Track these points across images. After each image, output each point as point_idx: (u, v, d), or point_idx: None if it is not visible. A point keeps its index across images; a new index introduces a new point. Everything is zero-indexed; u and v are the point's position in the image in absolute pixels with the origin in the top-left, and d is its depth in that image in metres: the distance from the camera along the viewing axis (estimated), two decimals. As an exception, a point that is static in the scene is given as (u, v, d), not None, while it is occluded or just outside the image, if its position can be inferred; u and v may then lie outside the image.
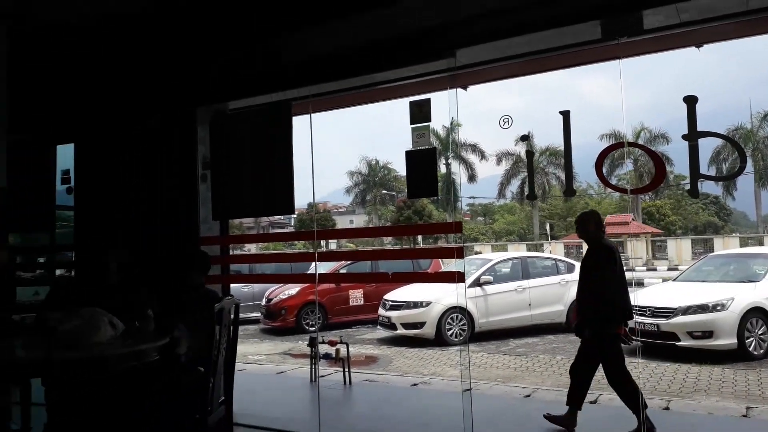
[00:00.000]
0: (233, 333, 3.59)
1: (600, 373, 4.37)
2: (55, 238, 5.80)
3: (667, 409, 5.14)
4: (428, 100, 4.22)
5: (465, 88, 4.49)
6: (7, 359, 2.72)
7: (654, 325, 7.68)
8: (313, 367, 6.27)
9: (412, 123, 4.21)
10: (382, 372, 7.40)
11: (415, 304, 9.78)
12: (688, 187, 3.68)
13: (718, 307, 7.54)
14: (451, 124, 4.90)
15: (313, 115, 4.79)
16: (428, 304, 9.64)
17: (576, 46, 3.85)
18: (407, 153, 4.25)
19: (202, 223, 5.06)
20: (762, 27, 3.70)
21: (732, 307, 7.52)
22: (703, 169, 3.95)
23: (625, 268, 4.54)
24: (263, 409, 5.01)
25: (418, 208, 35.34)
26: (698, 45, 3.90)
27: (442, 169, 36.83)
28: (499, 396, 5.71)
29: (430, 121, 4.20)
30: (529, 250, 27.54)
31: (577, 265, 11.56)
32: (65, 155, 5.68)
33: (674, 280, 9.85)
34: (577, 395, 4.41)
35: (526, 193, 36.39)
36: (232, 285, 5.53)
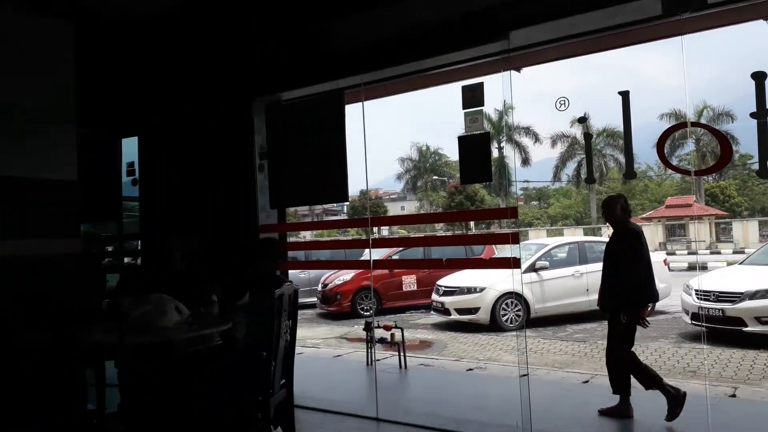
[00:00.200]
0: (293, 318, 3.68)
1: (657, 359, 4.26)
2: (122, 228, 6.07)
3: (733, 396, 4.97)
4: (481, 84, 4.17)
5: (518, 70, 4.41)
6: (85, 343, 2.88)
7: (719, 310, 7.40)
8: (369, 351, 6.37)
9: (464, 108, 4.18)
10: (436, 357, 7.43)
11: (469, 290, 9.75)
12: (755, 166, 3.51)
13: (789, 292, 7.20)
14: (504, 107, 4.84)
15: (365, 102, 4.82)
16: (482, 289, 9.59)
17: (635, 24, 3.72)
18: (460, 138, 4.23)
19: (260, 211, 5.22)
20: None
21: (803, 292, 7.16)
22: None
23: (687, 251, 4.44)
24: (322, 391, 5.12)
25: (470, 194, 34.99)
26: (766, 17, 3.71)
27: (495, 153, 36.34)
28: (557, 382, 5.65)
29: (482, 105, 4.15)
30: (586, 234, 26.87)
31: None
32: (130, 149, 5.94)
33: (740, 263, 9.43)
34: (621, 382, 4.37)
35: (582, 176, 35.42)
36: (289, 271, 5.67)
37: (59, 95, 3.85)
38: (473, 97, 4.18)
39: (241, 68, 5.11)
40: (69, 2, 3.93)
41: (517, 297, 9.40)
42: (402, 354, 6.35)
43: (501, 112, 32.34)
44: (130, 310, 3.10)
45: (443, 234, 26.32)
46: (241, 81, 5.12)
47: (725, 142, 4.11)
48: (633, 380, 4.35)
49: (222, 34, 5.02)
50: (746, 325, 7.21)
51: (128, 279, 4.56)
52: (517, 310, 9.54)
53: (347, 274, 11.92)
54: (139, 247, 6.08)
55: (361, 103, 4.79)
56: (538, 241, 12.68)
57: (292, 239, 5.73)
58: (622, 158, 31.50)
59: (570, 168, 37.52)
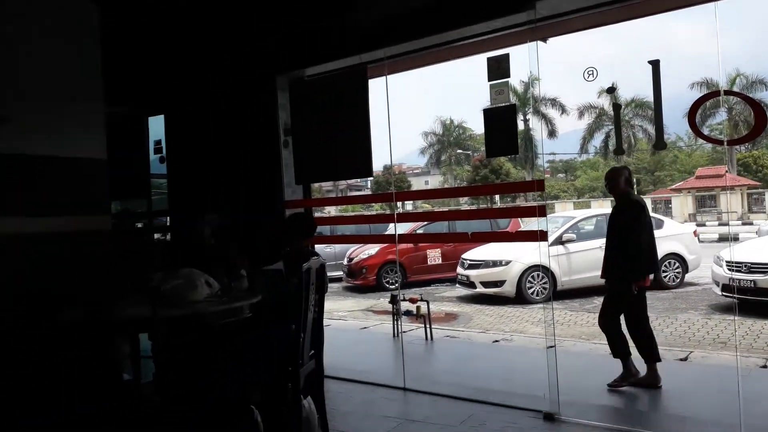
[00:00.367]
0: (321, 291, 3.73)
1: (686, 331, 4.24)
2: (151, 205, 6.18)
3: (764, 367, 4.92)
4: (507, 56, 4.11)
5: (545, 40, 4.33)
6: (119, 317, 2.97)
7: (750, 281, 7.28)
8: (395, 323, 6.44)
9: (490, 80, 4.12)
10: (462, 329, 7.48)
11: (494, 263, 9.74)
12: (791, 134, 3.42)
13: (823, 262, 7.04)
14: (530, 78, 4.78)
15: (388, 76, 4.79)
16: (508, 262, 9.57)
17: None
18: (485, 111, 4.18)
19: (286, 186, 5.26)
20: None
21: (840, 262, 7.00)
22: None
23: (718, 222, 4.42)
24: (350, 362, 5.22)
25: (495, 167, 34.68)
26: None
27: (521, 125, 35.81)
28: (584, 353, 5.66)
29: (508, 77, 4.09)
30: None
31: (667, 220, 11.15)
32: (156, 127, 6.02)
33: (774, 234, 9.23)
34: (648, 348, 4.42)
35: (610, 148, 34.79)
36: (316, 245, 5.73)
37: (86, 74, 3.90)
38: (499, 68, 4.12)
39: (264, 44, 5.11)
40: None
41: (544, 270, 9.37)
42: (428, 326, 6.41)
43: (527, 84, 31.83)
44: (161, 284, 3.18)
45: (468, 208, 26.19)
46: (264, 57, 5.12)
47: (759, 110, 3.99)
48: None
49: (244, 10, 5.02)
50: (779, 297, 7.10)
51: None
52: (544, 283, 9.51)
53: (372, 249, 12.01)
54: (168, 223, 6.20)
55: (384, 78, 4.77)
56: (564, 214, 12.57)
57: (317, 215, 5.79)
58: (651, 129, 30.83)
59: (597, 139, 36.87)
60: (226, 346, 3.53)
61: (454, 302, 10.10)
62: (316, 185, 5.80)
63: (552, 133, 38.55)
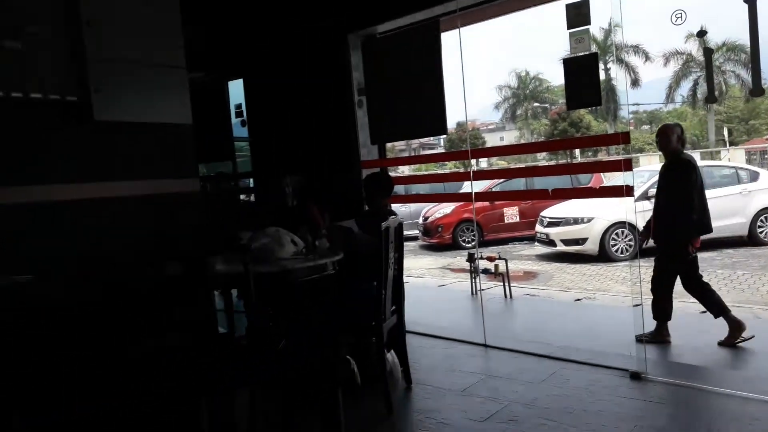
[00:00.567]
0: (399, 249, 3.78)
1: None
2: (236, 167, 6.41)
3: None
4: (586, 2, 3.89)
5: (627, -18, 4.06)
6: (215, 273, 3.13)
7: None
8: (473, 281, 6.43)
9: (569, 28, 3.93)
10: (542, 287, 7.38)
11: (575, 221, 9.48)
12: None
13: None
14: (611, 25, 4.52)
15: (461, 29, 4.66)
16: (590, 220, 9.29)
17: None
18: (565, 61, 4.01)
19: (361, 147, 5.30)
20: None
21: None
22: None
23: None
24: (430, 318, 5.28)
25: (575, 120, 33.31)
26: None
27: (601, 75, 34.03)
28: (673, 311, 5.45)
29: (589, 24, 3.88)
30: (703, 158, 24.97)
31: (763, 172, 10.40)
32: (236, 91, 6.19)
33: None
34: (713, 304, 4.41)
35: (700, 96, 32.57)
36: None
37: (169, 42, 4.01)
38: (578, 15, 3.91)
39: (335, 3, 5.09)
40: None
41: (630, 226, 9.03)
42: (506, 284, 6.37)
43: (607, 31, 30.14)
44: (251, 243, 3.32)
45: (547, 164, 25.44)
46: (335, 16, 5.10)
47: None
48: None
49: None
50: None
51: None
52: (629, 240, 9.18)
53: (447, 207, 11.97)
54: (252, 185, 6.42)
55: (457, 31, 4.64)
56: (650, 168, 11.98)
57: (391, 174, 5.82)
58: (745, 75, 28.53)
59: (684, 88, 34.49)
60: (314, 301, 3.67)
61: (533, 261, 9.96)
62: (389, 145, 5.78)
63: (635, 83, 36.40)
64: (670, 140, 4.44)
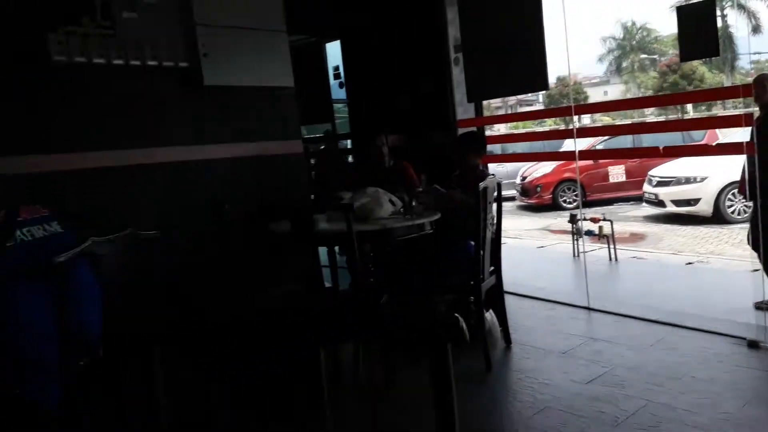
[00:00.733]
0: (498, 209, 3.73)
1: None
2: (335, 128, 6.53)
3: None
4: (701, -58, 3.55)
5: None
6: (318, 230, 3.24)
7: None
8: (575, 242, 6.24)
9: (685, -29, 3.61)
10: (650, 250, 7.03)
11: (687, 180, 8.87)
12: None
13: None
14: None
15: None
16: (703, 179, 8.66)
17: None
18: (678, 9, 3.71)
19: (458, 105, 5.22)
20: None
21: None
22: None
23: None
24: (529, 280, 5.20)
25: (686, 72, 30.82)
26: None
27: (717, 22, 31.07)
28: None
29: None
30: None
31: None
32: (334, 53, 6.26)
33: None
34: None
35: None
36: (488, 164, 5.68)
37: (270, 5, 4.09)
38: (693, -43, 3.58)
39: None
40: None
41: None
42: (611, 246, 6.12)
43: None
44: (353, 201, 3.40)
45: (657, 120, 23.84)
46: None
47: None
48: None
49: None
50: None
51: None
52: (747, 201, 8.49)
53: (547, 166, 11.58)
54: (349, 146, 6.53)
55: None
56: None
57: (487, 133, 5.70)
58: None
59: (817, 32, 30.84)
60: (415, 259, 3.72)
61: (641, 222, 9.47)
62: (485, 102, 5.64)
63: (756, 29, 32.91)
64: (765, 90, 3.92)
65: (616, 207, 10.93)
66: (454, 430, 0.91)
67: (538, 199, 11.64)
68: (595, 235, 6.29)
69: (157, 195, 3.63)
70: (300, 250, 2.90)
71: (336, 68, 6.22)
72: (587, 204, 11.01)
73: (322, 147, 6.91)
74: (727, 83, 29.73)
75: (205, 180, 3.85)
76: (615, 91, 41.95)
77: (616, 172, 11.32)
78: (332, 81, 6.35)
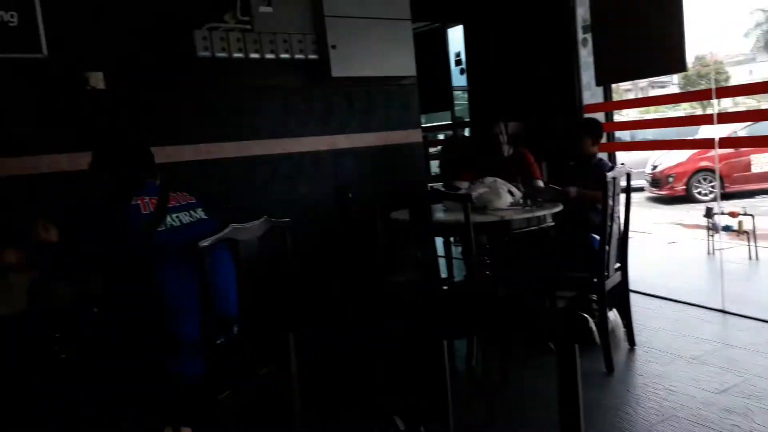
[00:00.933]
0: (626, 202, 3.54)
1: None
2: (455, 116, 6.50)
3: None
4: None
5: None
6: (434, 220, 3.26)
7: None
8: (711, 239, 5.77)
9: None
10: (800, 249, 6.34)
11: None
12: None
13: None
14: None
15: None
16: None
17: None
18: None
19: (584, 89, 5.00)
20: None
21: None
22: None
23: None
24: (657, 278, 4.90)
25: None
26: None
27: None
28: None
29: None
30: None
31: None
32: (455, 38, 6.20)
33: None
34: None
35: None
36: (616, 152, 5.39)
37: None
38: None
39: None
40: None
41: None
42: (752, 244, 5.60)
43: None
44: (470, 191, 3.37)
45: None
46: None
47: None
48: None
49: None
50: None
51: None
52: None
53: (680, 155, 10.75)
54: (468, 134, 6.47)
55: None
56: None
57: (615, 118, 5.38)
58: None
59: None
60: (534, 252, 3.65)
61: (789, 217, 8.56)
62: (614, 86, 5.33)
63: None
64: None
65: (758, 200, 9.94)
66: (580, 432, 0.90)
67: (670, 191, 10.84)
68: (734, 230, 5.78)
69: (286, 183, 3.85)
70: (417, 239, 2.93)
71: (457, 54, 6.17)
72: (725, 196, 10.09)
73: (450, 134, 6.85)
74: None
75: (331, 169, 4.02)
76: (763, 70, 37.86)
77: (761, 162, 10.26)
78: (453, 67, 6.30)
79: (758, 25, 36.61)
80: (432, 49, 6.34)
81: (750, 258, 5.58)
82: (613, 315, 3.67)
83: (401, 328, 0.94)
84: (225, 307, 1.93)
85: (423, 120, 6.61)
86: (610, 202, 3.22)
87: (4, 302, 1.96)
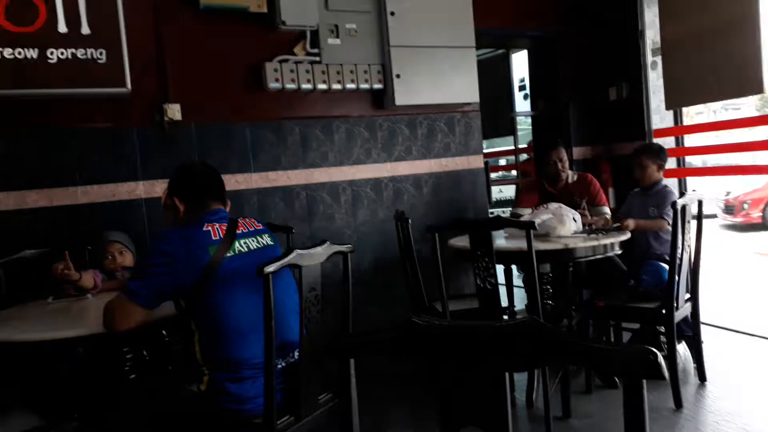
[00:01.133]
0: (697, 229, 3.41)
1: None
2: (517, 142, 6.45)
3: None
4: None
5: None
6: (495, 248, 3.23)
7: None
8: (791, 270, 5.46)
9: None
10: None
11: None
12: None
13: None
14: None
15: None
16: None
17: None
18: None
19: (653, 113, 4.90)
20: None
21: None
22: None
23: None
24: (731, 310, 4.67)
25: None
26: None
27: None
28: None
29: None
30: None
31: None
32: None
33: None
34: None
35: None
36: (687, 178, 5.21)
37: (461, 21, 4.18)
38: None
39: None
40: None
41: None
42: (839, 276, 5.25)
43: None
44: (533, 218, 3.33)
45: None
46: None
47: None
48: None
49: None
50: None
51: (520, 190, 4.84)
52: None
53: (759, 180, 10.22)
54: (528, 158, 6.40)
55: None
56: None
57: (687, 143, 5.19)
58: None
59: None
60: (598, 281, 3.56)
61: None
62: (684, 109, 5.16)
63: None
64: None
65: None
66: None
67: (745, 218, 10.32)
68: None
69: (348, 209, 3.94)
70: (477, 266, 2.92)
71: (521, 80, 6.15)
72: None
73: (525, 158, 6.77)
74: None
75: (391, 195, 4.09)
76: None
77: None
78: (516, 92, 6.28)
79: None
80: (495, 75, 6.35)
81: (836, 291, 5.24)
82: (683, 348, 3.53)
83: (461, 358, 0.95)
84: (286, 332, 1.98)
85: (485, 145, 6.62)
86: (679, 230, 3.10)
87: (80, 322, 2.09)
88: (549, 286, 3.32)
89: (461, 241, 3.31)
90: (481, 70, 4.25)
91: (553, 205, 3.48)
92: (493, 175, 6.93)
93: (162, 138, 3.44)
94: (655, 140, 4.76)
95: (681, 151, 5.03)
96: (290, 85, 3.56)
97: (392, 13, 3.83)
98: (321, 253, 2.02)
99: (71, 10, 3.07)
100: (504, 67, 6.34)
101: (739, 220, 10.46)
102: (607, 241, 3.25)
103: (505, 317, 3.36)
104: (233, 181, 3.57)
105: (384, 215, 4.06)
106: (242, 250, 2.02)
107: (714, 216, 11.20)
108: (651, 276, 3.47)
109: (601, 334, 3.53)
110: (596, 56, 5.16)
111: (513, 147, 6.58)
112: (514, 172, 6.95)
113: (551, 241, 3.27)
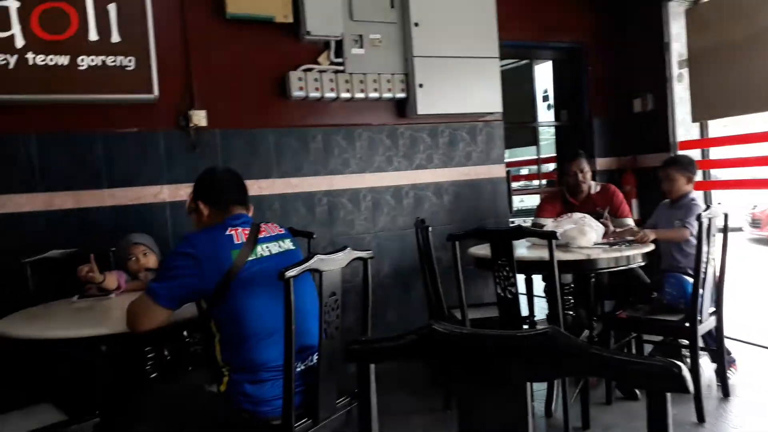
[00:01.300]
0: (723, 242, 3.36)
1: None
2: (539, 152, 6.42)
3: None
4: None
5: None
6: (516, 257, 3.21)
7: None
8: (821, 286, 5.33)
9: None
10: None
11: None
12: None
13: None
14: None
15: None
16: None
17: None
18: None
19: (678, 126, 4.84)
20: None
21: None
22: None
23: None
24: (757, 324, 4.57)
25: None
26: None
27: None
28: None
29: None
30: None
31: None
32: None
33: None
34: None
35: None
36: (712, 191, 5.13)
37: (486, 32, 4.19)
38: None
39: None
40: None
41: None
42: None
43: None
44: (556, 228, 3.30)
45: None
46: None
47: None
48: None
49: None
50: None
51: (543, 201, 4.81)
52: None
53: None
54: (552, 170, 6.37)
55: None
56: None
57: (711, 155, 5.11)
58: None
59: None
60: (621, 293, 3.51)
61: None
62: (711, 122, 5.09)
63: None
64: None
65: None
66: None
67: (773, 231, 10.14)
68: None
69: (369, 216, 3.96)
70: (497, 275, 2.91)
71: (545, 90, 6.13)
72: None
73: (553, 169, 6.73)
74: None
75: (413, 203, 4.11)
76: None
77: None
78: (540, 103, 6.26)
79: None
80: (519, 85, 6.34)
81: None
82: (706, 362, 3.47)
83: (481, 366, 0.95)
84: (305, 336, 2.00)
85: (507, 155, 6.60)
86: (704, 243, 3.06)
87: (104, 322, 2.13)
88: (570, 297, 3.29)
89: (482, 250, 3.30)
90: (504, 79, 4.25)
91: (577, 215, 3.45)
92: (514, 185, 6.89)
93: (187, 143, 3.50)
94: (680, 152, 4.71)
95: (706, 164, 4.96)
96: (314, 94, 3.60)
97: (416, 24, 3.85)
98: (341, 258, 2.03)
99: (102, 19, 3.15)
100: (527, 77, 6.33)
101: (766, 233, 10.26)
102: (630, 252, 3.21)
103: (525, 327, 3.34)
104: (256, 187, 3.61)
105: (404, 222, 4.07)
106: (264, 254, 2.04)
107: (740, 229, 10.98)
108: (674, 288, 3.41)
109: (622, 346, 3.49)
110: (621, 68, 5.14)
111: (536, 156, 6.55)
112: (536, 182, 6.90)
113: (573, 251, 3.24)
